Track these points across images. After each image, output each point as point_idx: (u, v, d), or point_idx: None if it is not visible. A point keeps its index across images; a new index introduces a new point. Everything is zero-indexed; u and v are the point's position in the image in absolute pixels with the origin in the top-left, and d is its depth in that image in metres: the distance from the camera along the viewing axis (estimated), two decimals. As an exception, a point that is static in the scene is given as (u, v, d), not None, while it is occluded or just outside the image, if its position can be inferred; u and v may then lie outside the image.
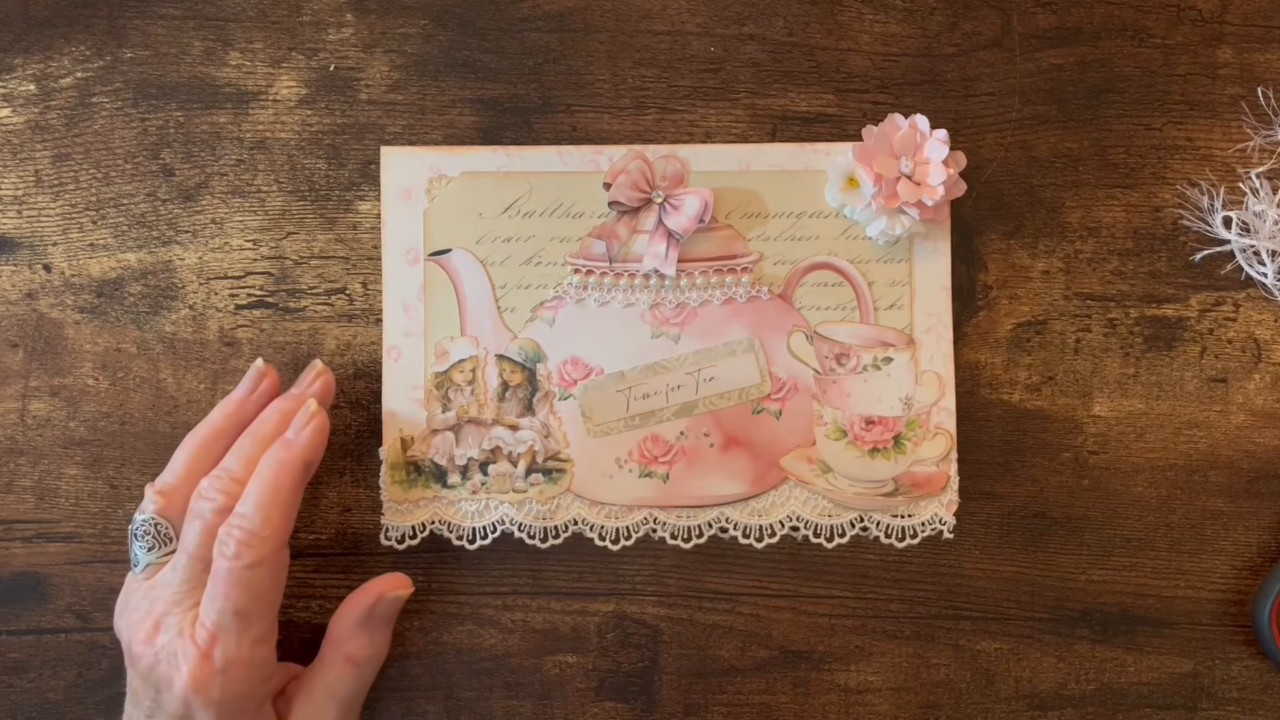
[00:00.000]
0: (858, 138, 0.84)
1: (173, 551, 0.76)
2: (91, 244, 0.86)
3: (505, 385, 0.85)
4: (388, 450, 0.85)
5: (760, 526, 0.85)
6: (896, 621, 0.87)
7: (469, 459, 0.85)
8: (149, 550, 0.76)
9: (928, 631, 0.87)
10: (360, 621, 0.80)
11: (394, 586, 0.81)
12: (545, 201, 0.86)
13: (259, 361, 0.81)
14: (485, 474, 0.85)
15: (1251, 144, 0.87)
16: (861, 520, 0.85)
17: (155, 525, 0.76)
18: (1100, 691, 0.87)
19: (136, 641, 0.74)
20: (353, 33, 0.87)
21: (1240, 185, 0.87)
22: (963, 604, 0.86)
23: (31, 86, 0.87)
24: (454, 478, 0.85)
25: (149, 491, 0.77)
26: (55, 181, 0.86)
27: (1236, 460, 0.87)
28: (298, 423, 0.77)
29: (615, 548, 0.85)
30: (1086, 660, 0.87)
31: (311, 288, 0.86)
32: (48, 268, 0.86)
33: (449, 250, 0.86)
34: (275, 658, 0.77)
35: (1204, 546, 0.87)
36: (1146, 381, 0.87)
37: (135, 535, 0.76)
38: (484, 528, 0.85)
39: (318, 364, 0.82)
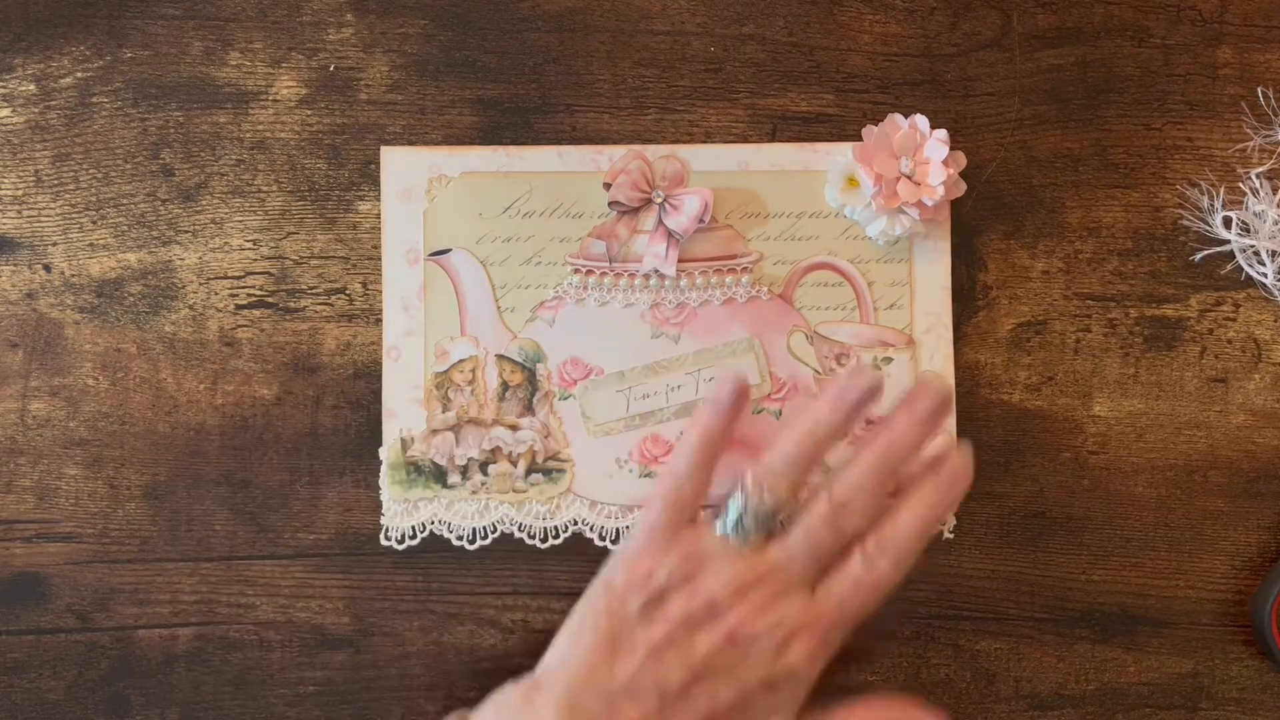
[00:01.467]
0: (858, 138, 0.84)
1: (769, 536, 0.74)
2: (91, 244, 0.86)
3: (505, 385, 0.85)
4: (388, 450, 0.85)
5: (760, 526, 0.85)
6: (896, 621, 0.87)
7: (469, 459, 0.85)
8: (768, 531, 0.73)
9: (928, 631, 0.87)
10: None
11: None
12: (545, 201, 0.86)
13: (872, 376, 0.76)
14: (485, 474, 0.85)
15: (1251, 144, 0.87)
16: (861, 520, 0.85)
17: (788, 516, 0.74)
18: (1100, 691, 0.87)
19: (745, 607, 0.71)
20: (353, 33, 0.87)
21: (1240, 185, 0.87)
22: (962, 604, 0.86)
23: (31, 86, 0.87)
24: (454, 478, 0.85)
25: (781, 484, 0.74)
26: (55, 181, 0.86)
27: (1236, 460, 0.87)
28: (950, 464, 0.76)
29: (615, 548, 0.85)
30: (1086, 660, 0.87)
31: (311, 288, 0.86)
32: (48, 268, 0.86)
33: (449, 250, 0.86)
34: None
35: (1204, 546, 0.87)
36: (1146, 381, 0.87)
37: (767, 516, 0.73)
38: (484, 528, 0.85)
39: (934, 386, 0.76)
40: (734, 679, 0.71)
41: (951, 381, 0.85)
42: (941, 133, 0.83)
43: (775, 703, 0.72)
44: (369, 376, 0.86)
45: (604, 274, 0.85)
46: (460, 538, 0.85)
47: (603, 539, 0.85)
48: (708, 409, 0.76)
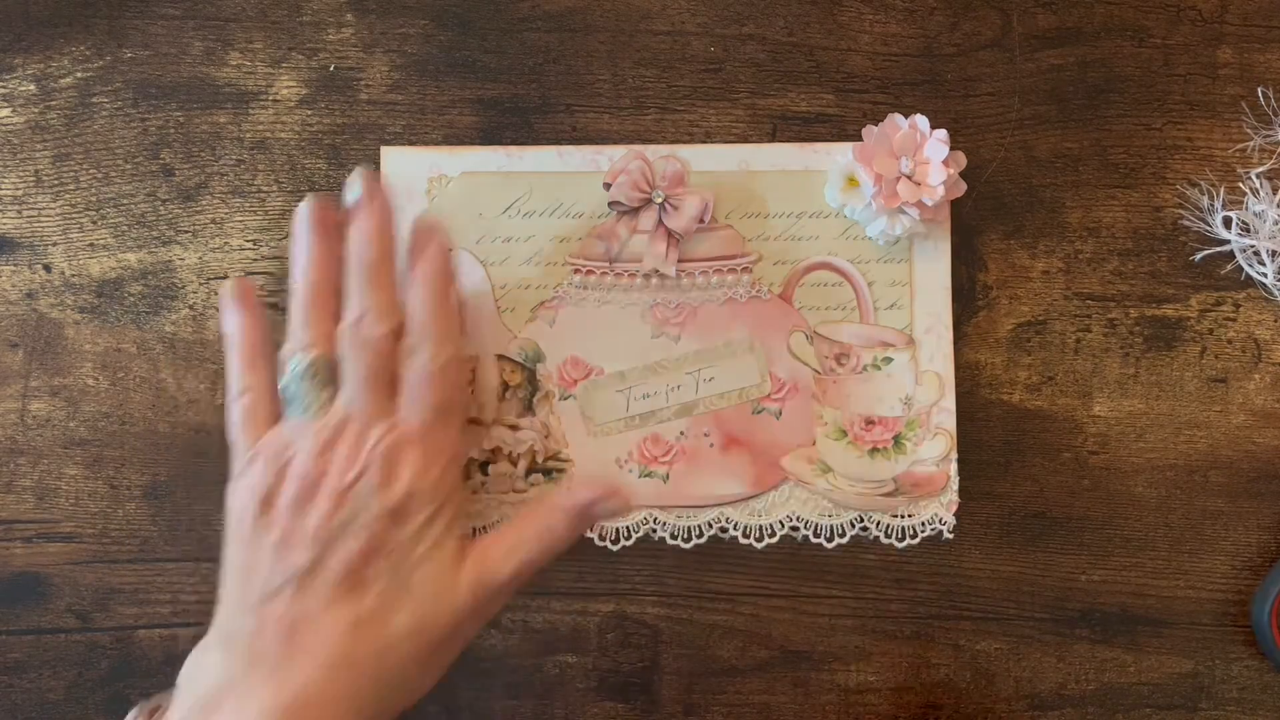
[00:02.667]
0: (858, 138, 0.84)
1: (333, 394, 0.75)
2: (91, 244, 0.86)
3: (505, 385, 0.85)
4: (388, 450, 0.85)
5: (760, 526, 0.85)
6: (896, 621, 0.87)
7: (469, 459, 0.85)
8: (322, 389, 0.75)
9: (928, 631, 0.87)
10: (576, 508, 0.77)
11: (621, 498, 0.78)
12: (545, 201, 0.86)
13: (305, 205, 0.78)
14: (485, 474, 0.85)
15: (1251, 144, 0.87)
16: (861, 520, 0.85)
17: (323, 363, 0.75)
18: (1100, 691, 0.87)
19: (334, 463, 0.74)
20: (353, 33, 0.87)
21: (1240, 185, 0.87)
22: (963, 604, 0.86)
23: (31, 86, 0.87)
24: (454, 478, 0.85)
25: (300, 343, 0.76)
26: (55, 181, 0.86)
27: (1236, 460, 0.87)
28: (418, 238, 0.78)
29: (615, 548, 0.85)
30: (1086, 660, 0.87)
31: (311, 288, 0.86)
32: (48, 268, 0.86)
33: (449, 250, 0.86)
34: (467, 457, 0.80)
35: (1204, 546, 0.87)
36: (1146, 381, 0.87)
37: (303, 376, 0.75)
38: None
39: (363, 170, 0.78)
40: (355, 528, 0.72)
41: (952, 381, 0.85)
42: (941, 133, 0.83)
43: (415, 530, 0.74)
44: (369, 376, 0.86)
45: (604, 274, 0.85)
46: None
47: (602, 539, 0.85)
48: (226, 311, 0.79)
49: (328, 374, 0.75)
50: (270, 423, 0.76)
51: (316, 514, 0.72)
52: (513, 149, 0.86)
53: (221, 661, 0.71)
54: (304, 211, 0.78)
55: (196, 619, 0.85)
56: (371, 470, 0.73)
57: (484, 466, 0.85)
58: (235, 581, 0.74)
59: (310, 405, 0.75)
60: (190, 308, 0.86)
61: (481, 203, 0.86)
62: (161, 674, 0.85)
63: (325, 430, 0.74)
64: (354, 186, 0.78)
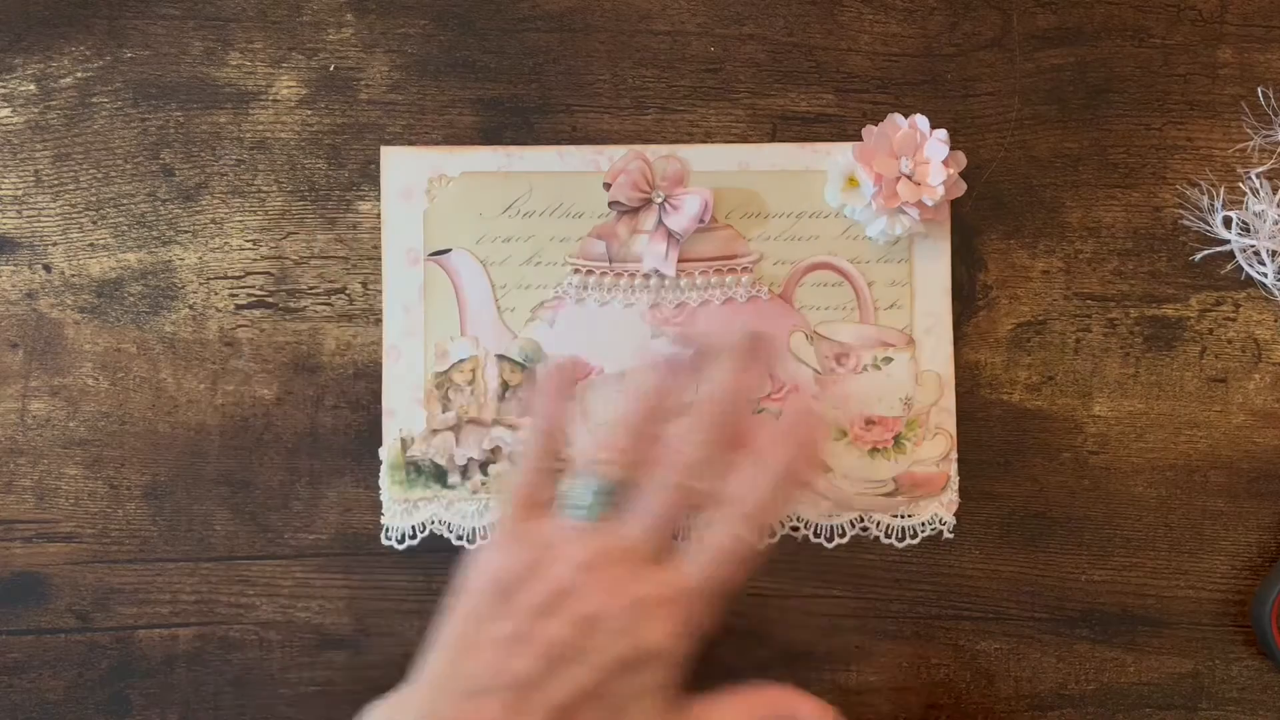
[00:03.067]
0: (858, 138, 0.84)
1: (617, 513, 0.71)
2: (91, 244, 0.86)
3: (505, 385, 0.86)
4: (388, 450, 0.85)
5: (760, 526, 0.85)
6: (896, 621, 0.87)
7: (469, 459, 0.85)
8: (611, 508, 0.71)
9: (928, 631, 0.87)
10: (782, 714, 0.74)
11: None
12: (545, 201, 0.86)
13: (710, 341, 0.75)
14: (485, 474, 0.85)
15: (1251, 144, 0.87)
16: (861, 520, 0.85)
17: (622, 485, 0.71)
18: (1100, 691, 0.87)
19: (597, 586, 0.69)
20: (353, 33, 0.87)
21: (1240, 185, 0.87)
22: (963, 604, 0.86)
23: (31, 86, 0.87)
24: (454, 478, 0.85)
25: (617, 457, 0.73)
26: (55, 181, 0.86)
27: (1236, 460, 0.87)
28: (792, 423, 0.74)
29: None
30: (1086, 660, 0.87)
31: (311, 288, 0.86)
32: (48, 268, 0.86)
33: (449, 250, 0.86)
34: None
35: (1204, 546, 0.87)
36: (1146, 381, 0.87)
37: (603, 490, 0.71)
38: (484, 528, 0.85)
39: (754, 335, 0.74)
40: (589, 662, 0.67)
41: (952, 381, 0.85)
42: (941, 133, 0.83)
43: (640, 685, 0.68)
44: (369, 376, 0.86)
45: (604, 274, 0.85)
46: (460, 538, 0.85)
47: (603, 539, 0.85)
48: (541, 399, 0.75)
49: (623, 497, 0.71)
50: (538, 512, 0.73)
51: (557, 629, 0.68)
52: (513, 149, 0.86)
53: None
54: (696, 342, 0.75)
55: (196, 619, 0.85)
56: (629, 611, 0.68)
57: (484, 467, 0.85)
58: (449, 657, 0.70)
59: (594, 518, 0.71)
60: (190, 308, 0.86)
61: (481, 203, 0.86)
62: (161, 674, 0.85)
63: (600, 551, 0.70)
64: (736, 341, 0.74)
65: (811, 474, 0.75)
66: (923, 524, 0.85)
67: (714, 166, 0.86)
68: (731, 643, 0.87)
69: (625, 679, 0.68)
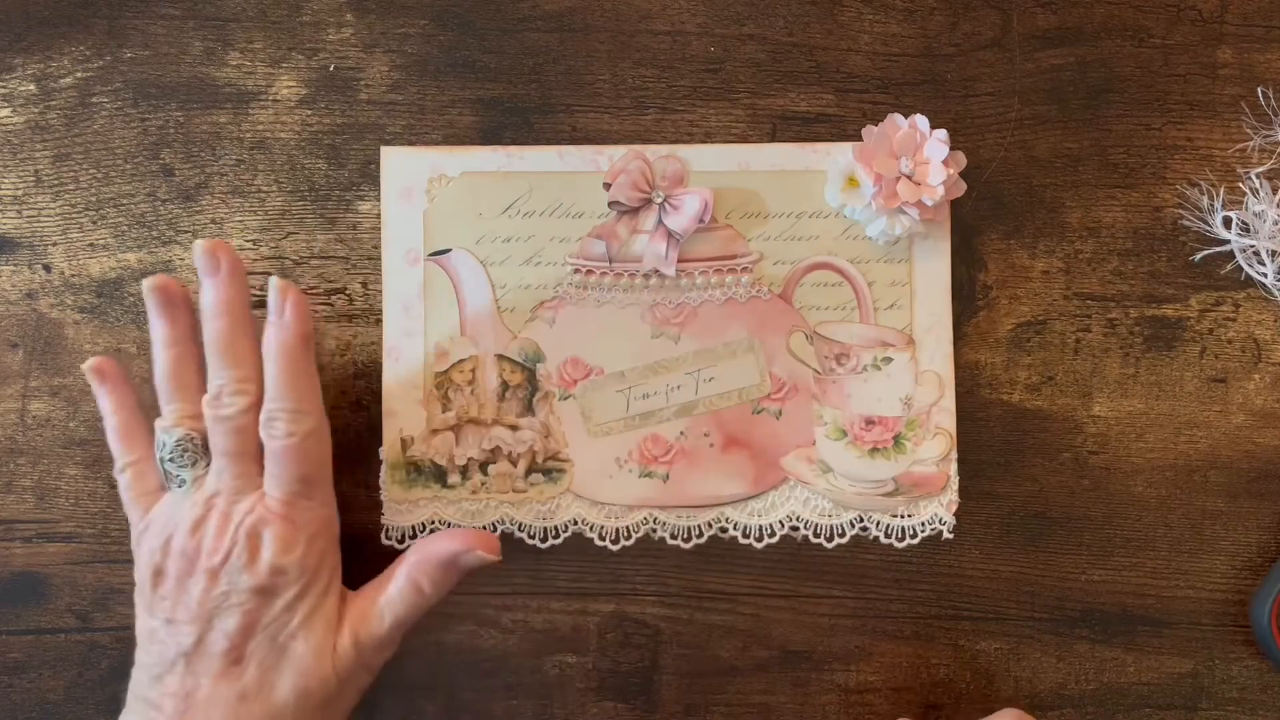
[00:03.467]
0: (858, 138, 0.84)
1: (209, 462, 0.79)
2: (91, 244, 0.86)
3: (505, 385, 0.86)
4: (388, 450, 0.85)
5: (760, 526, 0.85)
6: (896, 621, 0.87)
7: (469, 459, 0.85)
8: (193, 465, 0.79)
9: (928, 631, 0.87)
10: (442, 560, 0.80)
11: (488, 547, 0.80)
12: (545, 201, 0.86)
13: (150, 283, 0.81)
14: (485, 474, 0.85)
15: (1251, 144, 0.87)
16: (861, 520, 0.85)
17: (192, 440, 0.79)
18: (1100, 691, 0.87)
19: (205, 541, 0.77)
20: (353, 33, 0.87)
21: (1240, 185, 0.87)
22: (963, 604, 0.86)
23: (31, 86, 0.87)
24: (454, 478, 0.85)
25: (168, 420, 0.79)
26: (55, 181, 0.86)
27: (1236, 460, 0.87)
28: (275, 304, 0.79)
29: (615, 548, 0.85)
30: (1086, 660, 0.87)
31: (311, 288, 0.86)
32: (48, 268, 0.86)
33: (449, 250, 0.86)
34: (338, 523, 0.81)
35: (1204, 546, 0.87)
36: (1146, 381, 0.87)
37: (173, 457, 0.79)
38: (483, 528, 0.85)
39: (203, 243, 0.80)
40: (231, 605, 0.76)
41: (952, 381, 0.85)
42: (941, 133, 0.83)
43: (287, 604, 0.77)
44: (369, 376, 0.86)
45: (604, 274, 0.85)
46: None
47: (603, 539, 0.85)
48: (96, 393, 0.83)
49: (196, 449, 0.79)
50: (157, 494, 0.80)
51: (197, 590, 0.76)
52: (513, 149, 0.86)
53: None
54: (148, 289, 0.81)
55: (196, 619, 0.85)
56: (238, 548, 0.76)
57: (484, 467, 0.85)
58: (142, 649, 0.78)
59: (185, 480, 0.78)
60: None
61: (481, 203, 0.86)
62: (161, 674, 0.85)
63: (197, 507, 0.78)
64: (198, 257, 0.80)
65: (304, 326, 0.79)
66: (922, 524, 0.85)
67: (714, 166, 0.86)
68: (732, 643, 0.87)
69: (269, 604, 0.76)
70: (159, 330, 0.80)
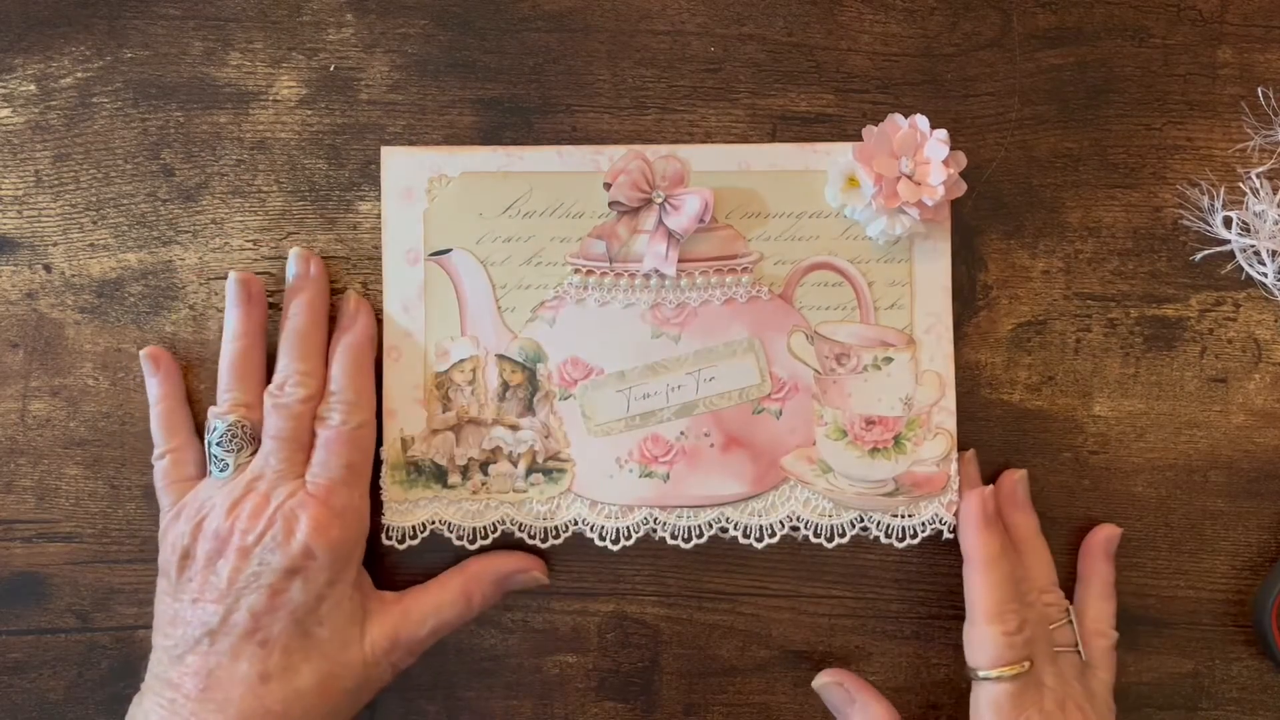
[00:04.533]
0: (858, 138, 0.84)
1: (254, 452, 0.81)
2: (91, 244, 0.86)
3: (505, 385, 0.85)
4: (388, 450, 0.85)
5: (760, 526, 0.85)
6: (896, 621, 0.87)
7: (469, 459, 0.85)
8: (239, 451, 0.81)
9: (928, 631, 0.87)
10: (499, 576, 0.84)
11: (543, 570, 0.86)
12: (545, 201, 0.86)
13: (235, 277, 0.85)
14: (485, 474, 0.85)
15: (1251, 144, 0.87)
16: (861, 520, 0.85)
17: (241, 427, 0.81)
18: (1100, 691, 0.87)
19: (240, 520, 0.78)
20: (353, 33, 0.87)
21: (1240, 185, 0.87)
22: (962, 604, 0.86)
23: (31, 86, 0.87)
24: (454, 478, 0.85)
25: (223, 407, 0.82)
26: (55, 181, 0.86)
27: (1236, 460, 0.87)
28: (349, 310, 0.85)
29: (615, 548, 0.85)
30: (1086, 660, 0.87)
31: (311, 288, 0.86)
32: (48, 268, 0.86)
33: (449, 250, 0.86)
34: (369, 523, 0.83)
35: (1204, 546, 0.87)
36: (1146, 381, 0.87)
37: (222, 441, 0.81)
38: (484, 528, 0.85)
39: (299, 251, 0.85)
40: (260, 584, 0.77)
41: (952, 381, 0.85)
42: (942, 133, 0.83)
43: (316, 587, 0.78)
44: (369, 376, 0.86)
45: (604, 274, 0.85)
46: (460, 538, 0.85)
47: (603, 539, 0.85)
48: (147, 378, 0.86)
49: (244, 437, 0.81)
50: (191, 481, 0.82)
51: (226, 570, 0.77)
52: (513, 149, 0.86)
53: (151, 712, 0.76)
54: (233, 282, 0.84)
55: (197, 619, 0.85)
56: (275, 528, 0.78)
57: (484, 467, 0.85)
58: (161, 633, 0.79)
59: (228, 465, 0.80)
60: (190, 308, 0.86)
61: (482, 202, 0.86)
62: (162, 674, 0.85)
63: (237, 488, 0.80)
64: (292, 263, 0.85)
65: (371, 335, 0.85)
66: (923, 524, 0.85)
67: (714, 166, 0.86)
68: (732, 643, 0.87)
69: (298, 585, 0.78)
70: (233, 322, 0.84)
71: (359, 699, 0.81)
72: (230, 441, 0.80)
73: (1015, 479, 0.86)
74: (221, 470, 0.80)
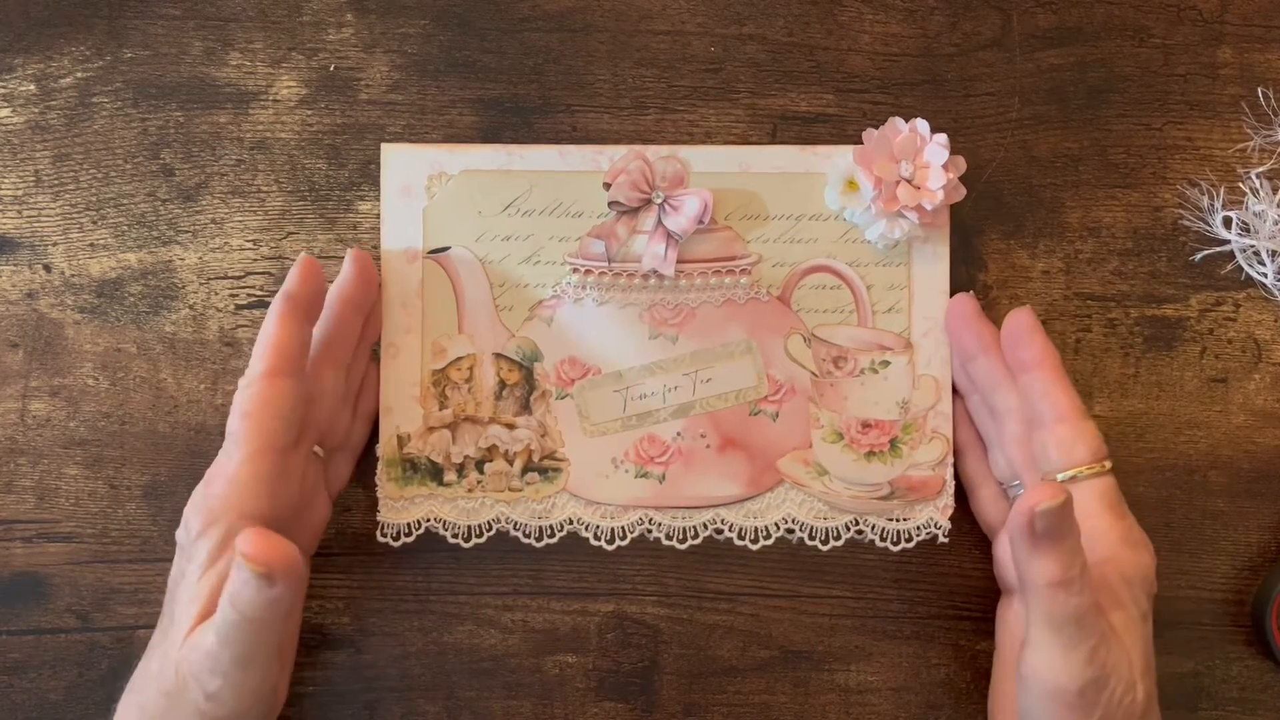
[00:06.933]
0: (857, 138, 0.84)
1: None
2: (91, 244, 0.86)
3: (502, 384, 0.86)
4: (384, 447, 0.85)
5: (756, 529, 0.85)
6: (896, 621, 0.87)
7: (465, 457, 0.85)
8: None
9: (928, 631, 0.87)
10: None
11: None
12: (545, 200, 0.86)
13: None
14: (481, 472, 0.85)
15: (1251, 144, 0.87)
16: (857, 524, 0.85)
17: None
18: (1100, 691, 0.87)
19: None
20: (353, 33, 0.87)
21: (1240, 185, 0.87)
22: (962, 604, 0.86)
23: (31, 86, 0.87)
24: (450, 475, 0.85)
25: None
26: (55, 181, 0.87)
27: (1236, 460, 0.87)
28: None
29: (610, 548, 0.85)
30: (1086, 660, 0.87)
31: (311, 288, 0.86)
32: (48, 268, 0.86)
33: (448, 248, 0.86)
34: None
35: (1204, 546, 0.87)
36: (1146, 381, 0.87)
37: None
38: (479, 526, 0.85)
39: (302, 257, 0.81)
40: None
41: (949, 385, 0.85)
42: (942, 137, 0.82)
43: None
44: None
45: (603, 274, 0.85)
46: (455, 535, 0.85)
47: (598, 539, 0.85)
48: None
49: None
50: None
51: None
52: (514, 147, 0.86)
53: None
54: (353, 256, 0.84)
55: (196, 618, 0.86)
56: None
57: (480, 465, 0.85)
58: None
59: None
60: (190, 308, 0.86)
61: (481, 201, 0.86)
62: (161, 673, 0.85)
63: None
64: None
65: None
66: (918, 528, 0.85)
67: (714, 168, 0.86)
68: (732, 643, 0.87)
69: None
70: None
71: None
72: None
73: (1024, 315, 0.81)
74: None
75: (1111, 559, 0.75)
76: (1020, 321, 0.80)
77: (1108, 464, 0.78)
